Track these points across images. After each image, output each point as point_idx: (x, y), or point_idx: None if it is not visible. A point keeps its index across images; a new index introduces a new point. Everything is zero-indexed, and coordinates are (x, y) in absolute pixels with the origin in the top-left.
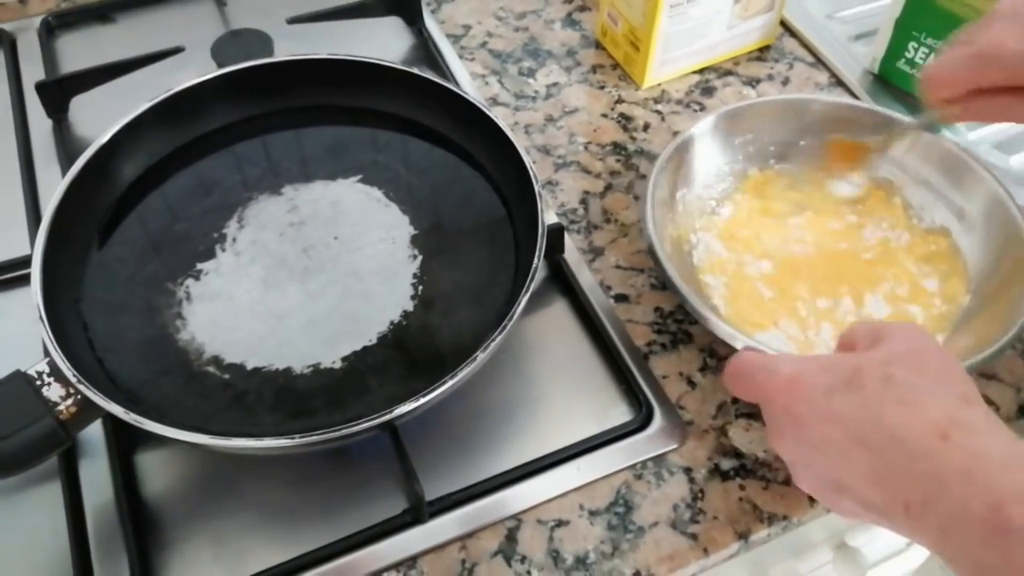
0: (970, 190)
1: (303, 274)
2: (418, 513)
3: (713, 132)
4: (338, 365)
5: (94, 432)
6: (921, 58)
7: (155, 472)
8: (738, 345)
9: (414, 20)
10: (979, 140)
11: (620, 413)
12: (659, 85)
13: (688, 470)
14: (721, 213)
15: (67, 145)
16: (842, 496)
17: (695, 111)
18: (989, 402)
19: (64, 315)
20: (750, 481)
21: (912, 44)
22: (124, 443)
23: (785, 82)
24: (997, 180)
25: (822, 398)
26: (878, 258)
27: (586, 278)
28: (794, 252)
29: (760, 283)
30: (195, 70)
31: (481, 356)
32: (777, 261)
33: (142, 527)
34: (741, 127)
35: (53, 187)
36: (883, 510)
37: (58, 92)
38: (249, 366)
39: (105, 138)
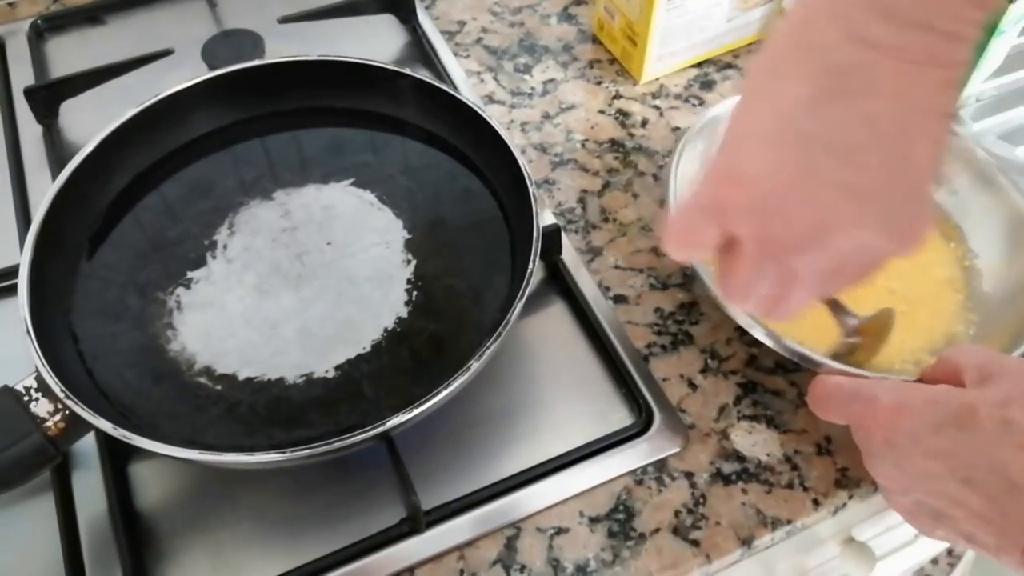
0: (991, 201)
1: (296, 281)
2: (415, 523)
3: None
4: (332, 374)
5: (87, 443)
6: None
7: (149, 483)
8: (757, 334)
9: (407, 17)
10: (984, 131)
11: (620, 417)
12: (657, 80)
13: (690, 475)
14: None
15: (57, 151)
16: (938, 524)
17: (694, 106)
18: None
19: (53, 326)
20: (753, 485)
21: None
22: (118, 454)
23: None
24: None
25: (928, 434)
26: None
27: (584, 279)
28: None
29: None
30: (186, 72)
31: (476, 365)
32: None
33: (137, 539)
34: None
35: (44, 194)
36: (991, 548)
37: (48, 97)
38: (241, 376)
39: (93, 144)
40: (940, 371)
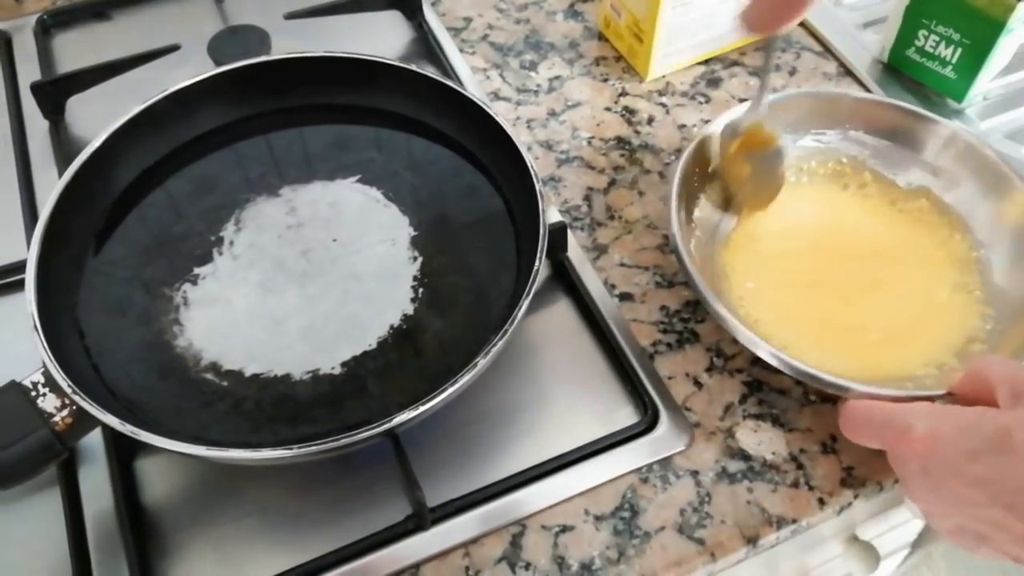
0: (1004, 201)
1: (302, 277)
2: (420, 520)
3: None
4: (338, 371)
5: (93, 439)
6: (931, 46)
7: (155, 478)
8: (761, 353)
9: (414, 13)
10: (990, 130)
11: (625, 415)
12: (663, 77)
13: (695, 473)
14: (749, 211)
15: (64, 146)
16: (982, 544)
17: (700, 103)
18: None
19: (60, 322)
20: (758, 484)
21: (923, 32)
22: (124, 449)
23: (792, 72)
24: None
25: (966, 462)
26: (900, 258)
27: (590, 277)
28: (818, 246)
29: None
30: (192, 68)
31: (482, 362)
32: (805, 256)
33: (143, 534)
34: (780, 119)
35: (50, 190)
36: None
37: (54, 93)
38: (247, 372)
39: (100, 140)
40: (970, 385)
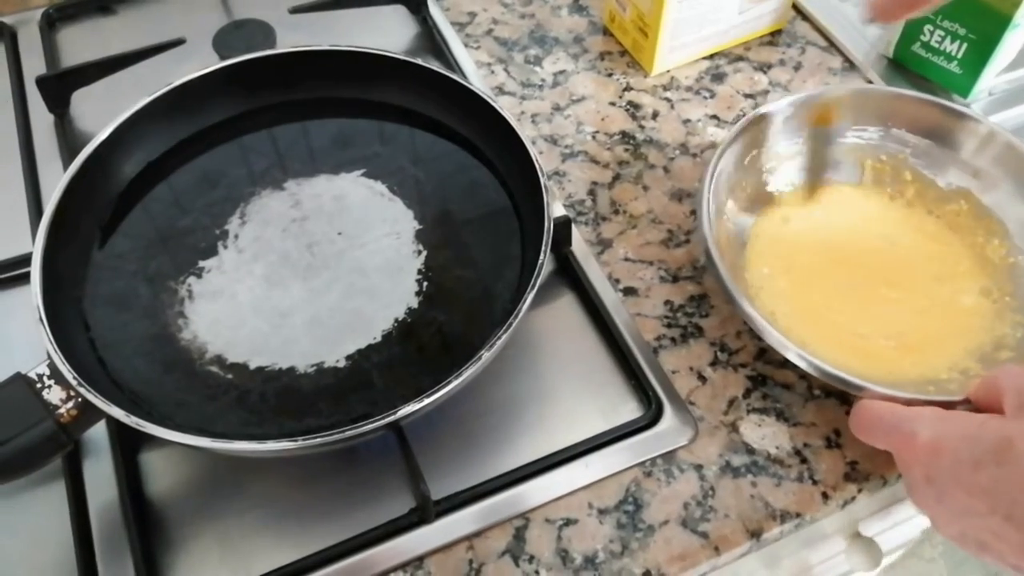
0: None
1: (306, 271)
2: (425, 513)
3: (783, 119)
4: (342, 364)
5: (98, 431)
6: (937, 41)
7: (160, 471)
8: (790, 355)
9: (418, 8)
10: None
11: (629, 409)
12: (668, 72)
13: (699, 467)
14: (780, 205)
15: (69, 140)
16: (984, 552)
17: (705, 98)
18: None
19: (65, 315)
20: (762, 478)
21: (928, 27)
22: (128, 442)
23: (797, 67)
24: None
25: (968, 471)
26: (928, 262)
27: (594, 271)
28: (847, 246)
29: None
30: (197, 62)
31: (486, 355)
32: (838, 260)
33: (147, 527)
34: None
35: (55, 183)
36: None
37: (59, 86)
38: (252, 365)
39: (105, 134)
40: (984, 392)
